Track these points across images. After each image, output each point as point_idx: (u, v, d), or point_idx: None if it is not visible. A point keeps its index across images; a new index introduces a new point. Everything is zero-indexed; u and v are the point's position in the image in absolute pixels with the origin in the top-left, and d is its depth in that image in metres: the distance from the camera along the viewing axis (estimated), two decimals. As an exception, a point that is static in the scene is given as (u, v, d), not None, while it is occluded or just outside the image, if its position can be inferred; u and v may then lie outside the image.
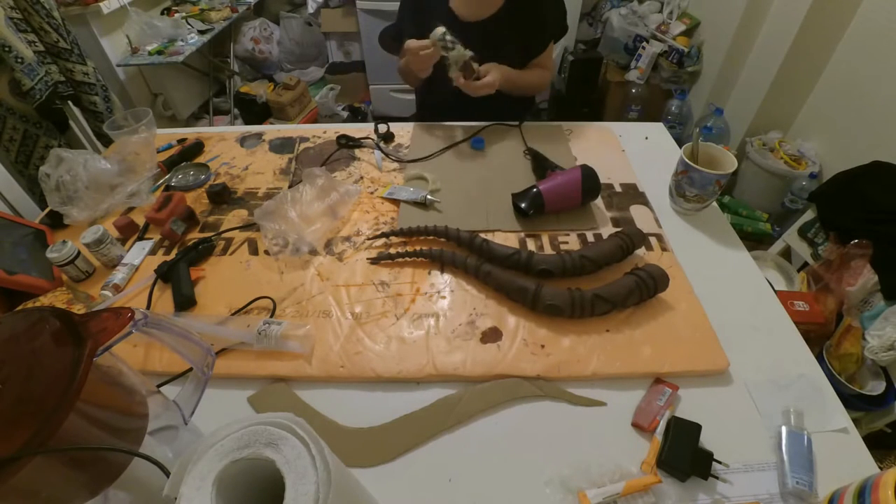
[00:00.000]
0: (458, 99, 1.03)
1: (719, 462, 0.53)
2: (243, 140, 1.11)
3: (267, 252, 0.80)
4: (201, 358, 0.48)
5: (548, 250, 0.80)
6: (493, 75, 0.99)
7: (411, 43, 0.99)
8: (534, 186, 0.84)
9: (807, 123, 1.81)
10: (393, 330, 0.68)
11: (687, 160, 0.80)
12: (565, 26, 1.15)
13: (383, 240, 0.82)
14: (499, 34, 1.08)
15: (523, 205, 0.83)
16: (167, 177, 0.99)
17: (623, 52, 2.36)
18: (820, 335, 1.23)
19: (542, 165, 0.95)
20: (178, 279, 0.74)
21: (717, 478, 0.52)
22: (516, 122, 1.10)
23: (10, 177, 1.14)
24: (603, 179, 0.86)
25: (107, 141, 1.19)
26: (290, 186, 0.94)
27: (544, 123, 1.13)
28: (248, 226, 0.86)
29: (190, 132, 1.17)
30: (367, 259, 0.79)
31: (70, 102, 1.59)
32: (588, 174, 0.84)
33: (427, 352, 0.65)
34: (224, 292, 0.75)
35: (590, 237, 0.82)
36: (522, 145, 1.03)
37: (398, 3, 1.19)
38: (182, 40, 2.16)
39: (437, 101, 1.21)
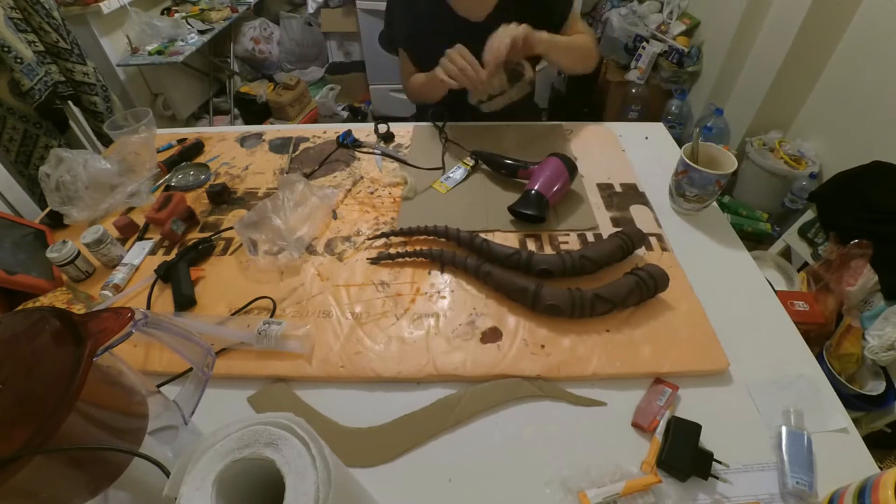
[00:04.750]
0: (460, 103, 1.00)
1: (719, 462, 0.53)
2: (243, 140, 1.11)
3: (266, 252, 0.80)
4: (201, 358, 0.48)
5: (548, 250, 0.80)
6: (518, 30, 0.86)
7: (458, 58, 0.87)
8: (529, 190, 0.83)
9: (807, 123, 1.81)
10: (393, 330, 0.68)
11: (687, 160, 0.80)
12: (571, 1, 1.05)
13: (383, 240, 0.82)
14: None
15: (533, 212, 0.81)
16: (167, 177, 0.99)
17: (623, 52, 2.36)
18: (820, 335, 1.23)
19: (501, 164, 0.92)
20: (178, 279, 0.74)
21: (717, 478, 0.52)
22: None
23: (10, 177, 1.14)
24: (603, 179, 0.86)
25: (107, 141, 1.19)
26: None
27: (544, 123, 1.13)
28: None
29: (190, 132, 1.17)
30: (367, 259, 0.79)
31: (70, 102, 1.59)
32: (562, 157, 0.85)
33: (427, 352, 0.65)
34: (224, 292, 0.75)
35: (590, 237, 0.82)
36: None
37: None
38: (182, 40, 2.16)
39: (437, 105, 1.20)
